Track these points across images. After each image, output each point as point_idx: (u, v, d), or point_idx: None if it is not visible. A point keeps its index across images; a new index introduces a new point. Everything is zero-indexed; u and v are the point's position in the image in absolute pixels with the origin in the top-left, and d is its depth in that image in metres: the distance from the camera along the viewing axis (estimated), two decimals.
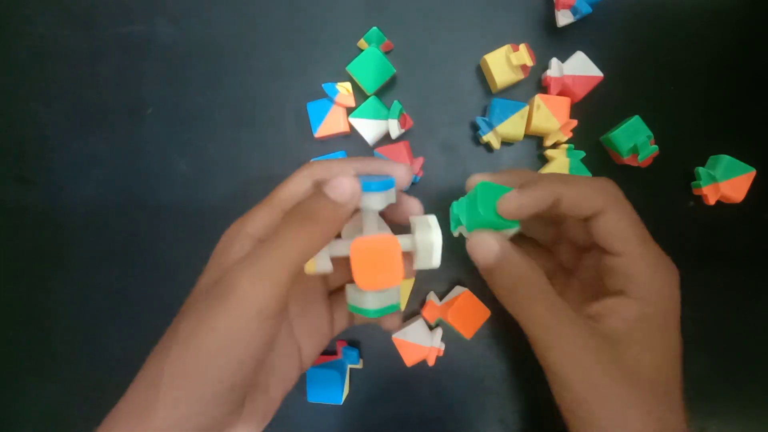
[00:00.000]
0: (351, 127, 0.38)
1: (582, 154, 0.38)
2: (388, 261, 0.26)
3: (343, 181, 0.25)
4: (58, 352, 0.41)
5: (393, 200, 0.29)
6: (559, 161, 0.38)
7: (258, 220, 0.28)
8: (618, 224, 0.27)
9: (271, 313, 0.24)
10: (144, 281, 0.40)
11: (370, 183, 0.27)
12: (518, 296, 0.27)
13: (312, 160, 0.30)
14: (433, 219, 0.29)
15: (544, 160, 0.39)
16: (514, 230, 0.28)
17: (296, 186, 0.29)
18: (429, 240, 0.28)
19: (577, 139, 0.39)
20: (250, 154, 0.40)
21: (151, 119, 0.39)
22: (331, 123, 0.38)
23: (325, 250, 0.27)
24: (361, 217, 0.29)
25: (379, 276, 0.26)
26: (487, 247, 0.27)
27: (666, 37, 0.40)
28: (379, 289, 0.27)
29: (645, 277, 0.27)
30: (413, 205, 0.31)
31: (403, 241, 0.28)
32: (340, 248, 0.28)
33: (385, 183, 0.28)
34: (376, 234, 0.28)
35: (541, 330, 0.26)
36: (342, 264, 0.32)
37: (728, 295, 0.40)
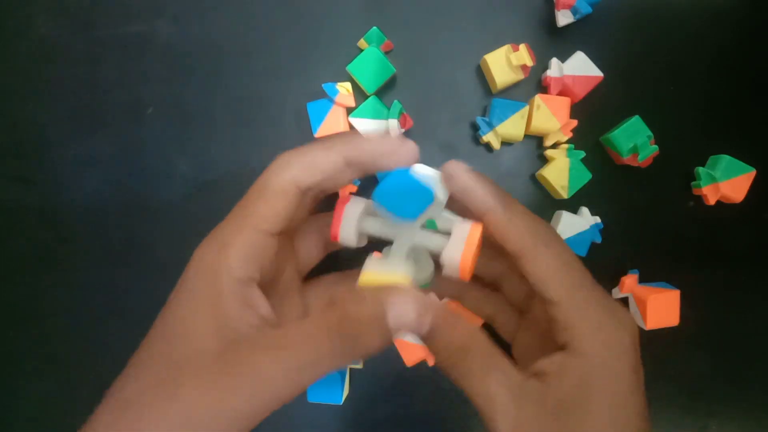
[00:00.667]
0: (351, 127, 0.38)
1: (582, 154, 0.38)
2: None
3: (409, 308, 0.22)
4: (58, 352, 0.41)
5: (437, 213, 0.26)
6: (560, 161, 0.38)
7: (241, 255, 0.23)
8: (547, 269, 0.24)
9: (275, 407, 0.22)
10: (144, 281, 0.40)
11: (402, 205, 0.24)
12: (457, 365, 0.24)
13: (285, 153, 0.25)
14: (468, 228, 0.25)
15: (544, 160, 0.39)
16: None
17: (278, 200, 0.24)
18: (454, 257, 0.25)
19: (578, 139, 0.39)
20: (250, 154, 0.40)
21: (152, 119, 0.39)
22: (331, 123, 0.38)
23: (353, 223, 0.25)
24: None
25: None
26: (418, 314, 0.23)
27: (666, 37, 0.40)
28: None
29: (587, 329, 0.23)
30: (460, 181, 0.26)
31: (434, 242, 0.26)
32: (373, 226, 0.26)
33: (418, 201, 0.24)
34: (391, 270, 0.25)
35: (483, 402, 0.23)
36: (313, 242, 0.30)
37: (729, 295, 0.40)
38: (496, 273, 0.31)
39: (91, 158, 0.40)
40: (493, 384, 0.23)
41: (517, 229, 0.25)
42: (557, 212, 0.39)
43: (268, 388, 0.21)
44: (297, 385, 0.22)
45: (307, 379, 0.22)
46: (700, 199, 0.39)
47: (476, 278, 0.30)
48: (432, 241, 0.26)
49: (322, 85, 0.38)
